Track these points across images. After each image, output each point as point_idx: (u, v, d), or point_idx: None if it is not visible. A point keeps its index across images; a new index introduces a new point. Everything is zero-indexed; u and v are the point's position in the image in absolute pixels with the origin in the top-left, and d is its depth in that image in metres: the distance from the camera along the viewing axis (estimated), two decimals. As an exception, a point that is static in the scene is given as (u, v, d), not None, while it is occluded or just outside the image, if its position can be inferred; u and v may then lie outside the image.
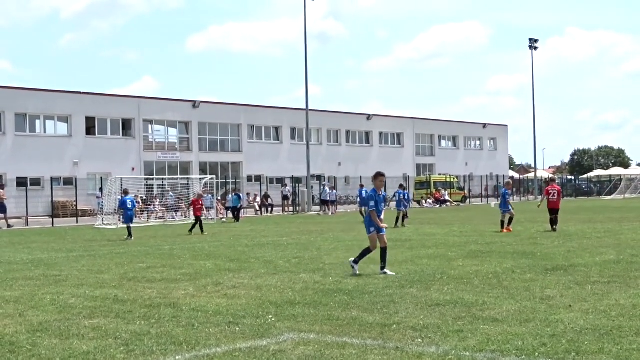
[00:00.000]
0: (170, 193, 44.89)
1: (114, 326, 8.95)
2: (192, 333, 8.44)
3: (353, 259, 14.00)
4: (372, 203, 13.78)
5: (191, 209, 33.57)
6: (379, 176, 14.15)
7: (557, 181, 28.21)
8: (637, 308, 9.32)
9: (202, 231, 28.29)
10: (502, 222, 24.76)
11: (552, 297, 10.36)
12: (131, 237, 25.50)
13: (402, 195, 32.48)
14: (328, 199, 48.92)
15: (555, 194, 25.22)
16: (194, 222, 29.73)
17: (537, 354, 7.10)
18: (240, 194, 42.93)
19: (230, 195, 43.12)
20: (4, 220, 37.50)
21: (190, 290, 11.88)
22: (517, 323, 8.54)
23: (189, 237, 26.49)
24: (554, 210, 24.91)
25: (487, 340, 7.69)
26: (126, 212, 26.65)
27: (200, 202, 31.04)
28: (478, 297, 10.48)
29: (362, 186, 39.20)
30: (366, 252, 13.79)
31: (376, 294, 10.96)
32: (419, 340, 7.83)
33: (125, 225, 26.96)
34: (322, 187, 52.55)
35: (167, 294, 11.57)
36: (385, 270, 13.42)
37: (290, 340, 7.98)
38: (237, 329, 8.64)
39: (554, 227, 24.33)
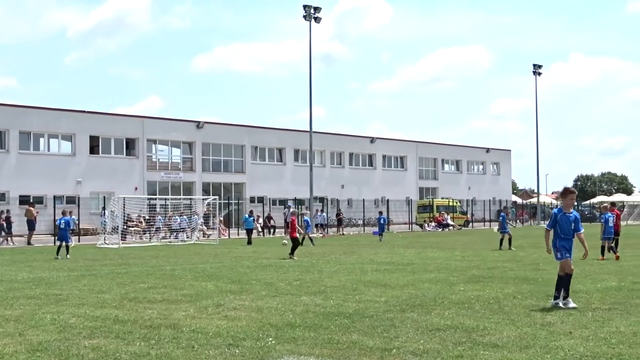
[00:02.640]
0: (176, 216, 44.89)
1: (114, 347, 8.96)
2: (192, 355, 8.44)
3: (556, 299, 12.04)
4: (548, 222, 12.33)
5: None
6: (568, 193, 12.36)
7: (617, 206, 27.38)
8: (638, 335, 9.30)
9: (291, 254, 25.22)
10: (611, 248, 23.88)
11: (552, 323, 10.35)
12: (58, 257, 26.09)
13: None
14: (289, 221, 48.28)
15: (614, 218, 25.02)
16: (291, 245, 25.89)
17: (536, 380, 7.11)
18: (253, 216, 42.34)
19: (246, 216, 42.54)
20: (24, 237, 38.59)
21: (191, 312, 11.88)
22: (517, 349, 8.54)
23: (190, 258, 26.43)
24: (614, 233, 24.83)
25: (487, 366, 7.69)
26: (60, 232, 27.33)
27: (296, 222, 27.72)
28: (479, 322, 10.47)
29: (320, 211, 41.41)
30: (567, 280, 12.14)
31: (377, 318, 10.96)
32: (419, 365, 7.83)
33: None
34: (287, 209, 50.26)
35: (167, 314, 11.57)
36: (569, 300, 11.97)
37: (289, 363, 7.99)
38: (237, 351, 8.64)
39: (612, 250, 24.07)
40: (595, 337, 9.20)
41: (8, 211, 39.26)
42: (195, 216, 43.86)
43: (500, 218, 30.91)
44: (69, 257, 26.03)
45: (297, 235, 26.81)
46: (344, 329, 10.04)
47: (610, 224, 24.28)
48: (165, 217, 45.11)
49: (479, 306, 12.14)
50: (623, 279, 16.52)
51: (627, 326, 10.03)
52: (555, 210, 12.50)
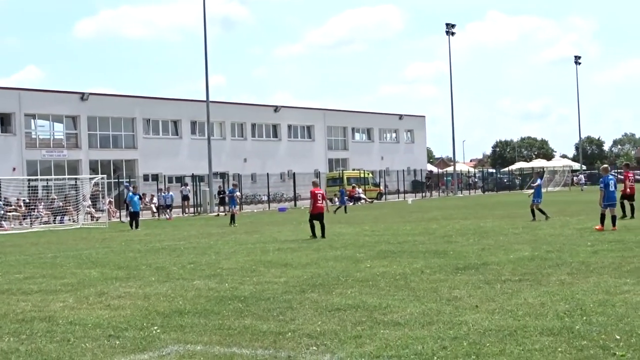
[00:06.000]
0: (55, 197, 43.82)
1: (-21, 344, 8.75)
2: (67, 349, 8.33)
3: None
4: None
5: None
6: None
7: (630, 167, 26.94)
8: (545, 306, 9.64)
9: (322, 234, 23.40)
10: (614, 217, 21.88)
11: (459, 297, 10.62)
12: None
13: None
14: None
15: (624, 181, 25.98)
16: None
17: (435, 357, 7.31)
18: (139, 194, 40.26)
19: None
20: None
21: (70, 302, 11.69)
22: (419, 326, 8.73)
23: (74, 244, 25.94)
24: (632, 197, 25.83)
25: (386, 345, 7.85)
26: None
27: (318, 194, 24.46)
28: (382, 300, 10.65)
29: (167, 190, 42.99)
30: None
31: (273, 300, 11.03)
32: (314, 347, 7.93)
33: None
34: (183, 187, 51.33)
35: (43, 306, 11.36)
36: None
37: (174, 352, 7.97)
38: (117, 342, 8.57)
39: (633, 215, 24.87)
40: (501, 310, 9.49)
41: None
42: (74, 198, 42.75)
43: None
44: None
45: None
46: (237, 314, 10.07)
47: (611, 188, 22.29)
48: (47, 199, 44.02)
49: (384, 283, 12.34)
50: (537, 248, 17.07)
51: (536, 297, 10.38)
52: None
